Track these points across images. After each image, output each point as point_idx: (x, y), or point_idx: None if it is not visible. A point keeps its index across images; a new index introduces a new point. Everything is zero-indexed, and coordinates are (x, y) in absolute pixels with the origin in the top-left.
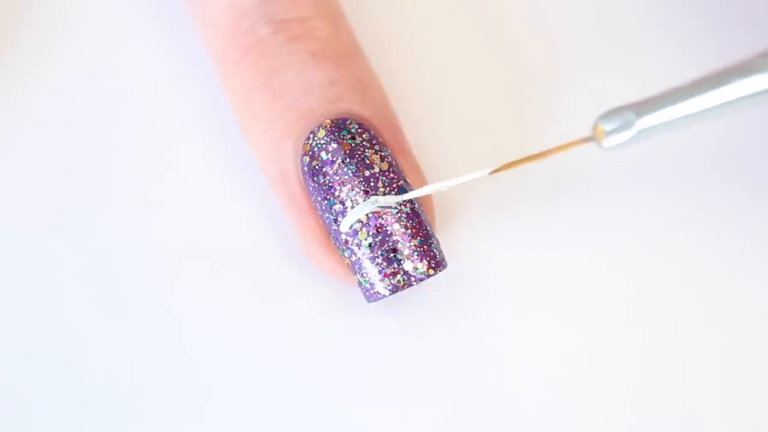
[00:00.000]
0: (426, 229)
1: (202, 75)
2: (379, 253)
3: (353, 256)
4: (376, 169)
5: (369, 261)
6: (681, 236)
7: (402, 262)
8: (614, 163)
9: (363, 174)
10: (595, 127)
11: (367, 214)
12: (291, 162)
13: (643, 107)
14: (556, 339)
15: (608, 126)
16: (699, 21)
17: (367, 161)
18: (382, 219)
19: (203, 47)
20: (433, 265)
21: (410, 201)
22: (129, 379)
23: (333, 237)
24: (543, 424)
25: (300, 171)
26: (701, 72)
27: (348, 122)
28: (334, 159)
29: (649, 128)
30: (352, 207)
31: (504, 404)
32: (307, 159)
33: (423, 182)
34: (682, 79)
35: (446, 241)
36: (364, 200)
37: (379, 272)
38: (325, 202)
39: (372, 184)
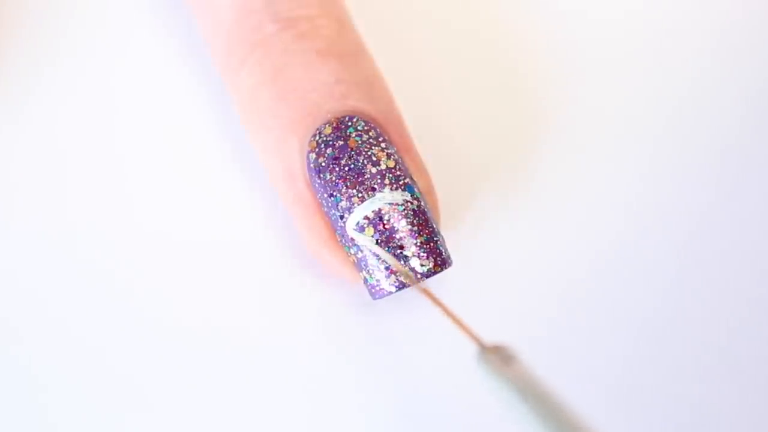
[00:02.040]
0: (432, 227)
1: (205, 73)
2: (386, 250)
3: (359, 252)
4: (383, 166)
5: (375, 258)
6: (684, 235)
7: (408, 259)
8: (616, 163)
9: (370, 171)
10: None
11: (373, 211)
12: (297, 159)
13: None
14: (557, 339)
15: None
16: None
17: (374, 158)
18: (389, 216)
19: (207, 45)
20: (439, 263)
21: (416, 198)
22: (129, 379)
23: (339, 234)
24: None
25: (306, 168)
26: None
27: (354, 119)
28: (341, 156)
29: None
30: (359, 204)
31: None
32: (314, 156)
33: (428, 179)
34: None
35: (451, 239)
36: (370, 197)
37: (385, 269)
38: (331, 199)
39: (379, 181)
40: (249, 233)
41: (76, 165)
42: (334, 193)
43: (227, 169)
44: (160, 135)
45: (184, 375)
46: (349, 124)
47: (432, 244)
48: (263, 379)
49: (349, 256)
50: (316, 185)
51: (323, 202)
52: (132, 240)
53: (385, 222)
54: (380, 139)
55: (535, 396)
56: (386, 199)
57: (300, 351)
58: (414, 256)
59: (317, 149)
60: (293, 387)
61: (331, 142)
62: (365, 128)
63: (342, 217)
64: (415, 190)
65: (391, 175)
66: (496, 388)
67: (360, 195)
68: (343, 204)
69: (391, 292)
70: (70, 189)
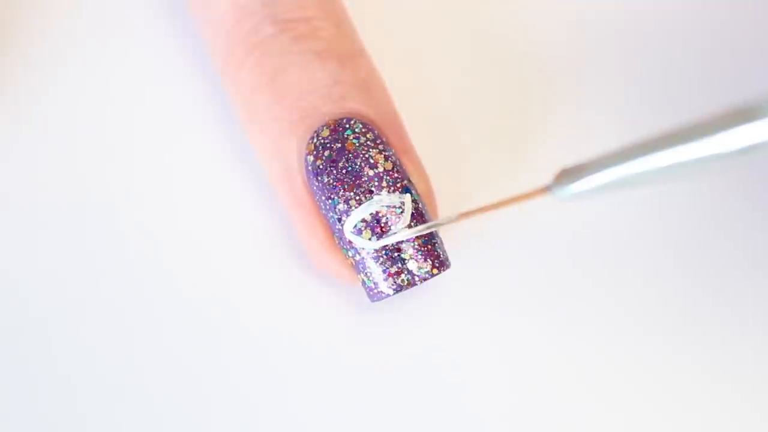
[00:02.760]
0: None
1: (203, 74)
2: (383, 252)
3: (357, 255)
4: (380, 169)
5: (373, 260)
6: (685, 234)
7: (406, 261)
8: None
9: (367, 173)
10: (555, 176)
11: (371, 214)
12: (295, 161)
13: (603, 162)
14: (559, 339)
15: (567, 179)
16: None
17: (371, 161)
18: (387, 218)
19: (205, 46)
20: (437, 265)
21: (414, 200)
22: (129, 378)
23: (337, 236)
24: (546, 424)
25: (304, 170)
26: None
27: (352, 122)
28: (339, 158)
29: (609, 183)
30: (357, 206)
31: (507, 404)
32: (311, 158)
33: (426, 182)
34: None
35: (450, 241)
36: (368, 200)
37: (383, 272)
38: (329, 201)
39: (376, 183)
40: (248, 234)
41: (75, 165)
42: (332, 196)
43: (227, 170)
44: (159, 135)
45: (183, 375)
46: (347, 126)
47: (430, 246)
48: (262, 380)
49: (347, 258)
50: (314, 187)
51: (321, 204)
52: (131, 240)
53: (382, 224)
54: (378, 142)
55: (620, 156)
56: (384, 202)
57: (298, 352)
58: (412, 258)
59: (315, 151)
60: (291, 387)
61: (328, 145)
62: (363, 130)
63: (340, 219)
64: (413, 192)
65: (388, 178)
66: (599, 188)
67: (357, 198)
68: (341, 207)
69: (388, 295)
70: (70, 189)
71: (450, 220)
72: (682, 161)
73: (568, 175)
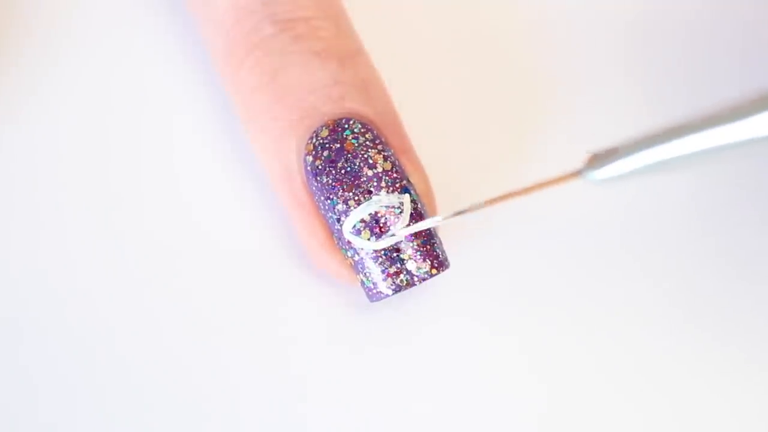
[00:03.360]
0: (429, 229)
1: (203, 74)
2: (382, 252)
3: (356, 255)
4: (379, 169)
5: (372, 260)
6: (684, 236)
7: (405, 261)
8: None
9: (366, 174)
10: (587, 160)
11: (370, 214)
12: (294, 161)
13: (635, 146)
14: (559, 339)
15: (599, 163)
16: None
17: (370, 161)
18: (385, 218)
19: (205, 46)
20: (436, 265)
21: (413, 201)
22: (127, 379)
23: (336, 236)
24: (546, 424)
25: (303, 170)
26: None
27: (351, 122)
28: (337, 158)
29: (641, 167)
30: (355, 206)
31: (507, 404)
32: (310, 158)
33: (426, 181)
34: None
35: (449, 242)
36: (367, 200)
37: (382, 272)
38: (328, 201)
39: (375, 183)
40: (248, 234)
41: (74, 166)
42: (331, 196)
43: (227, 169)
44: (160, 135)
45: (183, 374)
46: (346, 126)
47: (429, 247)
48: (261, 379)
49: (346, 258)
50: (313, 188)
51: (320, 204)
52: (131, 240)
53: (381, 225)
54: (377, 142)
55: (647, 142)
56: (383, 202)
57: (298, 352)
58: (411, 258)
59: (314, 152)
60: (291, 387)
61: (327, 145)
62: (362, 130)
63: (338, 220)
64: (412, 192)
65: (387, 178)
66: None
67: (356, 198)
68: (340, 207)
69: (387, 295)
70: (69, 189)
71: (478, 207)
72: (715, 145)
73: (600, 159)
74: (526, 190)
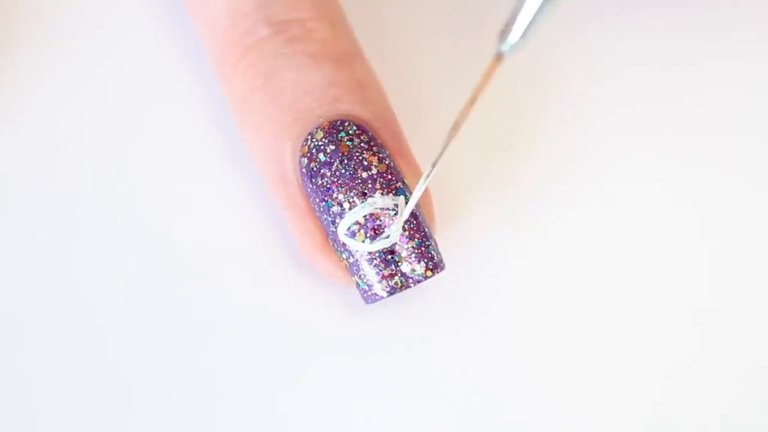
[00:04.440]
0: (424, 231)
1: (201, 76)
2: (377, 254)
3: (351, 257)
4: (374, 171)
5: (367, 262)
6: (684, 233)
7: (400, 263)
8: (616, 161)
9: (361, 176)
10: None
11: (365, 216)
12: (289, 163)
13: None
14: (556, 340)
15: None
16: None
17: (365, 163)
18: (380, 221)
19: (203, 47)
20: (431, 267)
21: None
22: (126, 380)
23: (331, 238)
24: (545, 424)
25: (298, 172)
26: None
27: (346, 124)
28: (332, 160)
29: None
30: (350, 209)
31: (504, 405)
32: (306, 160)
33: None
34: None
35: (444, 243)
36: (362, 202)
37: (377, 274)
38: (323, 203)
39: (370, 185)
40: (245, 235)
41: (74, 166)
42: (326, 198)
43: (224, 171)
44: (158, 135)
45: (181, 376)
46: (341, 128)
47: (424, 249)
48: (258, 380)
49: (341, 260)
50: (309, 190)
51: (315, 206)
52: (130, 240)
53: (376, 227)
54: (372, 144)
55: None
56: (377, 204)
57: (294, 352)
58: (406, 260)
59: (309, 154)
60: (287, 388)
61: (322, 147)
62: (357, 132)
63: (334, 222)
64: (408, 194)
65: (382, 180)
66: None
67: (351, 200)
68: (335, 209)
69: (383, 297)
70: (67, 189)
71: (446, 145)
72: None
73: (503, 32)
74: (471, 101)
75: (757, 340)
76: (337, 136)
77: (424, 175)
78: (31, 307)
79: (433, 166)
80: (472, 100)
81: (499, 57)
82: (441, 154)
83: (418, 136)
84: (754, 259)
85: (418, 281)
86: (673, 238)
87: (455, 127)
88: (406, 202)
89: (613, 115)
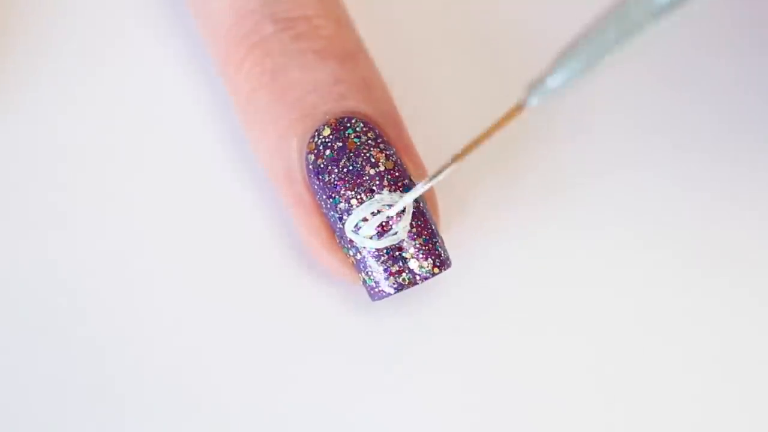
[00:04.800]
0: (431, 228)
1: (204, 74)
2: (384, 251)
3: (358, 254)
4: (381, 168)
5: (374, 259)
6: (685, 235)
7: (407, 260)
8: (617, 162)
9: (368, 172)
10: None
11: (372, 213)
12: (296, 160)
13: (559, 62)
14: (560, 339)
15: (532, 91)
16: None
17: (372, 160)
18: (388, 217)
19: (205, 46)
20: (438, 264)
21: (415, 200)
22: (130, 379)
23: (338, 235)
24: (546, 424)
25: (305, 169)
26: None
27: (353, 120)
28: (339, 157)
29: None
30: (357, 205)
31: (508, 403)
32: (312, 157)
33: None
34: None
35: (451, 240)
36: (369, 198)
37: (384, 270)
38: (330, 200)
39: (377, 182)
40: (249, 233)
41: (75, 166)
42: (333, 195)
43: (228, 169)
44: (160, 134)
45: (182, 374)
46: (348, 125)
47: (431, 245)
48: (262, 378)
49: (348, 257)
50: (315, 186)
51: (322, 203)
52: (132, 239)
53: (383, 224)
54: (379, 141)
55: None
56: (385, 201)
57: (299, 351)
58: (413, 257)
59: (316, 150)
60: (292, 388)
61: (329, 144)
62: (364, 129)
63: (341, 218)
64: None
65: (389, 177)
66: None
67: (359, 197)
68: (342, 206)
69: (390, 294)
70: (69, 189)
71: (446, 167)
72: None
73: (532, 85)
74: (483, 138)
75: (756, 340)
76: (344, 132)
77: (420, 184)
78: (31, 306)
79: (431, 179)
80: (484, 137)
81: (520, 107)
82: (437, 175)
83: (422, 135)
84: (755, 259)
85: (426, 278)
86: (673, 238)
87: (460, 156)
88: (414, 199)
89: (616, 115)
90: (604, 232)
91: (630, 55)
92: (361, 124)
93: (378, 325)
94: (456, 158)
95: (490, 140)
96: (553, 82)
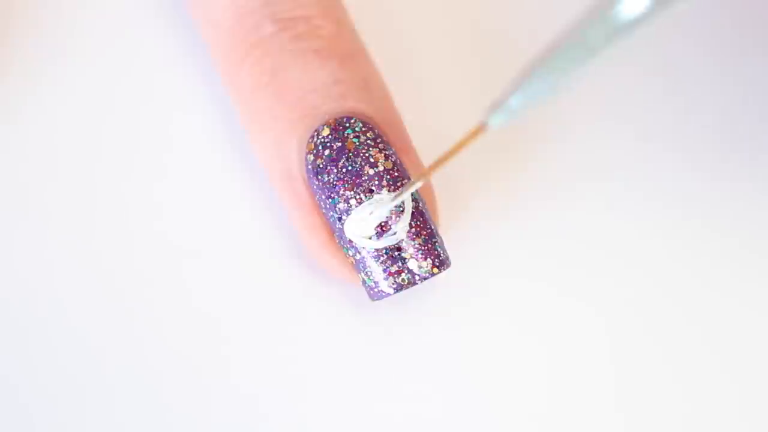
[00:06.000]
0: (430, 228)
1: (204, 74)
2: (384, 251)
3: (357, 254)
4: (381, 168)
5: (373, 259)
6: (685, 235)
7: (406, 260)
8: (617, 162)
9: (367, 172)
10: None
11: (370, 213)
12: (295, 160)
13: (517, 82)
14: (559, 339)
15: (495, 111)
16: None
17: (372, 160)
18: (387, 217)
19: (206, 46)
20: (438, 264)
21: (414, 200)
22: (127, 380)
23: (337, 235)
24: (543, 425)
25: (304, 169)
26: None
27: (352, 121)
28: (339, 157)
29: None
30: (357, 205)
31: (507, 402)
32: (312, 157)
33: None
34: None
35: (450, 240)
36: (368, 199)
37: (384, 271)
38: (329, 200)
39: (376, 182)
40: (249, 233)
41: (75, 165)
42: (332, 195)
43: (227, 169)
44: (161, 134)
45: (183, 373)
46: (347, 125)
47: (430, 245)
48: (262, 378)
49: (347, 257)
50: (315, 186)
51: (321, 203)
52: (132, 240)
53: (383, 224)
54: (378, 141)
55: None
56: (384, 201)
57: (299, 351)
58: (412, 257)
59: (315, 150)
60: (292, 386)
61: (329, 144)
62: (363, 129)
63: (340, 218)
64: (414, 192)
65: (389, 177)
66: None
67: (358, 197)
68: (341, 206)
69: (389, 294)
70: (69, 189)
71: (423, 177)
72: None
73: (494, 106)
74: (450, 154)
75: (757, 340)
76: (343, 133)
77: (404, 189)
78: (32, 307)
79: (395, 197)
80: (448, 156)
81: (482, 127)
82: (409, 187)
83: (421, 135)
84: (755, 260)
85: (425, 278)
86: (674, 238)
87: (426, 173)
88: (413, 200)
89: (617, 115)
90: (604, 233)
91: (630, 55)
92: (361, 124)
93: (377, 325)
94: (420, 177)
95: (490, 140)
96: (515, 102)
